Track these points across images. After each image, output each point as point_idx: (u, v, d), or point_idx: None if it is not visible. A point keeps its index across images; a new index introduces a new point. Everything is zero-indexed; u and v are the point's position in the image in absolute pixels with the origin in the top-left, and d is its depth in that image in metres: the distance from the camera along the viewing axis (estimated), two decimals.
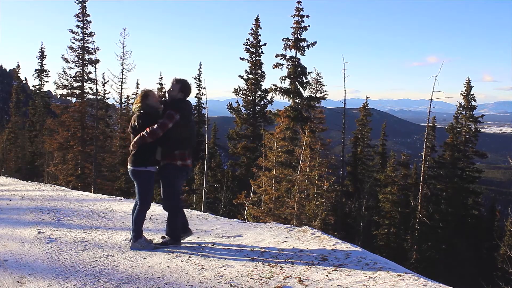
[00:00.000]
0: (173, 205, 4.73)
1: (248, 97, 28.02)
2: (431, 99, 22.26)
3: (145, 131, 4.46)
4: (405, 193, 26.27)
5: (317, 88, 27.72)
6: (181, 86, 4.67)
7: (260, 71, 27.91)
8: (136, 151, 4.56)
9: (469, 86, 25.54)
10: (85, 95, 23.91)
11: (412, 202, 24.47)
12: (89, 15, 23.44)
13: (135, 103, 4.71)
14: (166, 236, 4.84)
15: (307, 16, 24.73)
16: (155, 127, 4.47)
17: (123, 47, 24.54)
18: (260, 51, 27.79)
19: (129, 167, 4.66)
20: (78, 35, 23.26)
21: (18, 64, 44.25)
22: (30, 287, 3.70)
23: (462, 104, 25.59)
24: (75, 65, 23.52)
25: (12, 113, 36.41)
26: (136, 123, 4.58)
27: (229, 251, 4.56)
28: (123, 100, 30.65)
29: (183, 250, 4.62)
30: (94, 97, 24.14)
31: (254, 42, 27.63)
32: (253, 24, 27.68)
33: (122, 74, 25.27)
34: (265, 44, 27.68)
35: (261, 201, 17.84)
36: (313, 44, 24.99)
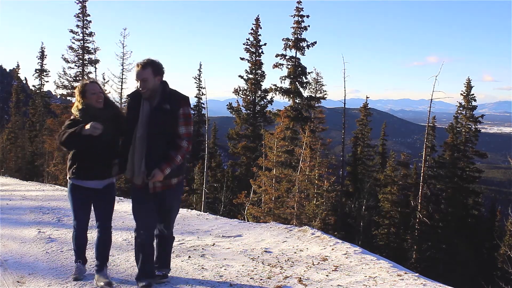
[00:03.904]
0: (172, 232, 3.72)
1: (248, 97, 27.98)
2: (431, 99, 22.28)
3: (179, 153, 3.25)
4: (405, 193, 26.23)
5: (317, 88, 27.69)
6: (153, 68, 3.27)
7: (260, 71, 27.89)
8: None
9: (469, 86, 25.51)
10: None
11: (412, 202, 24.45)
12: (89, 15, 23.57)
13: (75, 104, 3.51)
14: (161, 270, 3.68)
15: (307, 16, 24.78)
16: (184, 143, 3.26)
17: (123, 47, 24.53)
18: (260, 51, 27.78)
19: None
20: (78, 35, 23.34)
21: (18, 64, 44.38)
22: (30, 287, 3.70)
23: (462, 104, 25.54)
24: (75, 65, 23.60)
25: (12, 113, 36.41)
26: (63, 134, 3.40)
27: (229, 251, 4.56)
28: (123, 100, 30.62)
29: (183, 250, 4.62)
30: None
31: (254, 42, 27.61)
32: (253, 24, 27.68)
33: (122, 74, 25.27)
34: (265, 44, 27.67)
35: (261, 201, 17.84)
36: (313, 44, 25.01)
